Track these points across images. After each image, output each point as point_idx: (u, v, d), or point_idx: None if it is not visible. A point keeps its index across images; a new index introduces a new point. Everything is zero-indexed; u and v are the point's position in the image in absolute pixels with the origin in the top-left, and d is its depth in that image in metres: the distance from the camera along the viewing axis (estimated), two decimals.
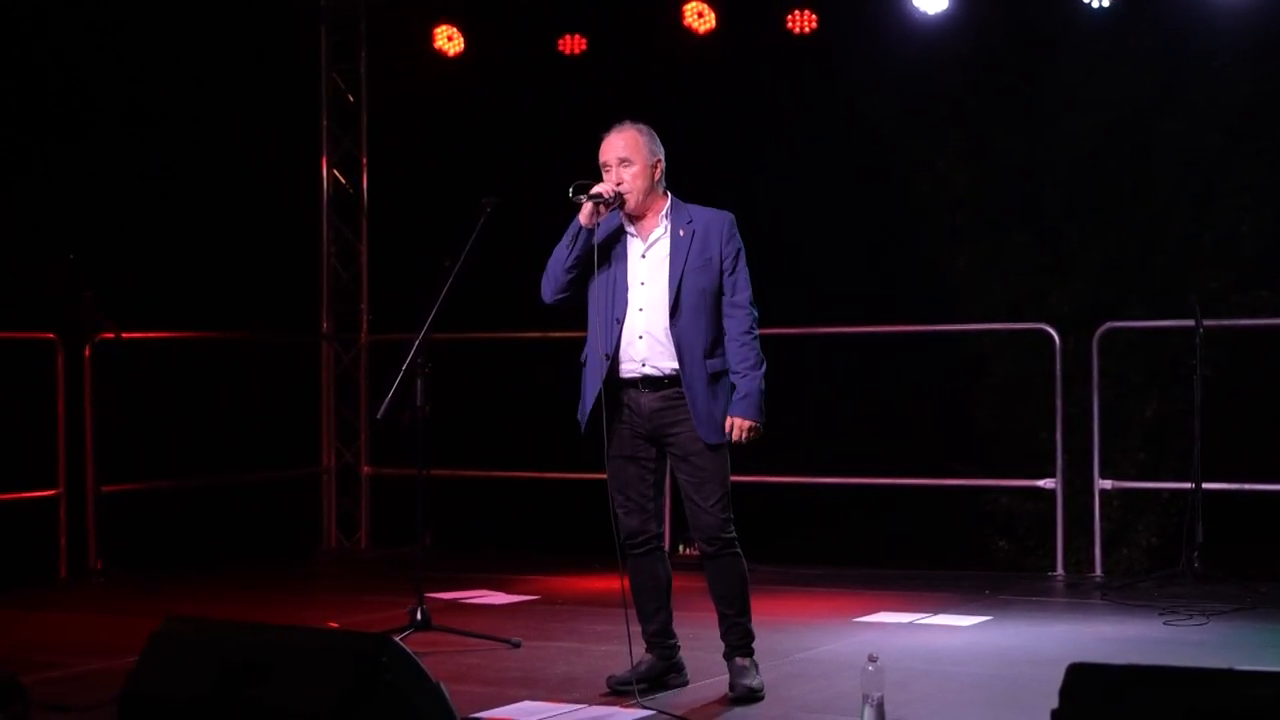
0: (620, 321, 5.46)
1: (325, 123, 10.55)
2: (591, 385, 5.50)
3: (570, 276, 5.51)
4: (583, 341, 5.62)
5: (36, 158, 8.87)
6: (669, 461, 5.57)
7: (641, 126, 5.56)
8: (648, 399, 5.46)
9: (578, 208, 5.46)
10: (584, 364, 5.58)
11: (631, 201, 5.48)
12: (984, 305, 9.97)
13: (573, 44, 10.13)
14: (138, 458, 9.02)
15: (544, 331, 9.63)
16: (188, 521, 9.39)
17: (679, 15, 9.71)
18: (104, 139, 9.15)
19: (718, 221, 5.53)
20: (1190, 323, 8.03)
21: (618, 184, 5.47)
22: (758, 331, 5.51)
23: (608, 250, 5.52)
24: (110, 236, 9.03)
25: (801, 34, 9.58)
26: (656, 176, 5.53)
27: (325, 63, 10.56)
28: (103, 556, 8.65)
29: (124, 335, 8.57)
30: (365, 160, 10.56)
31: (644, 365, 5.46)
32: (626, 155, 5.48)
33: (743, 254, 5.54)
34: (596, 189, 5.45)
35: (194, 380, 9.58)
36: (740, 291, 5.50)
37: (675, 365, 5.42)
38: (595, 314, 5.53)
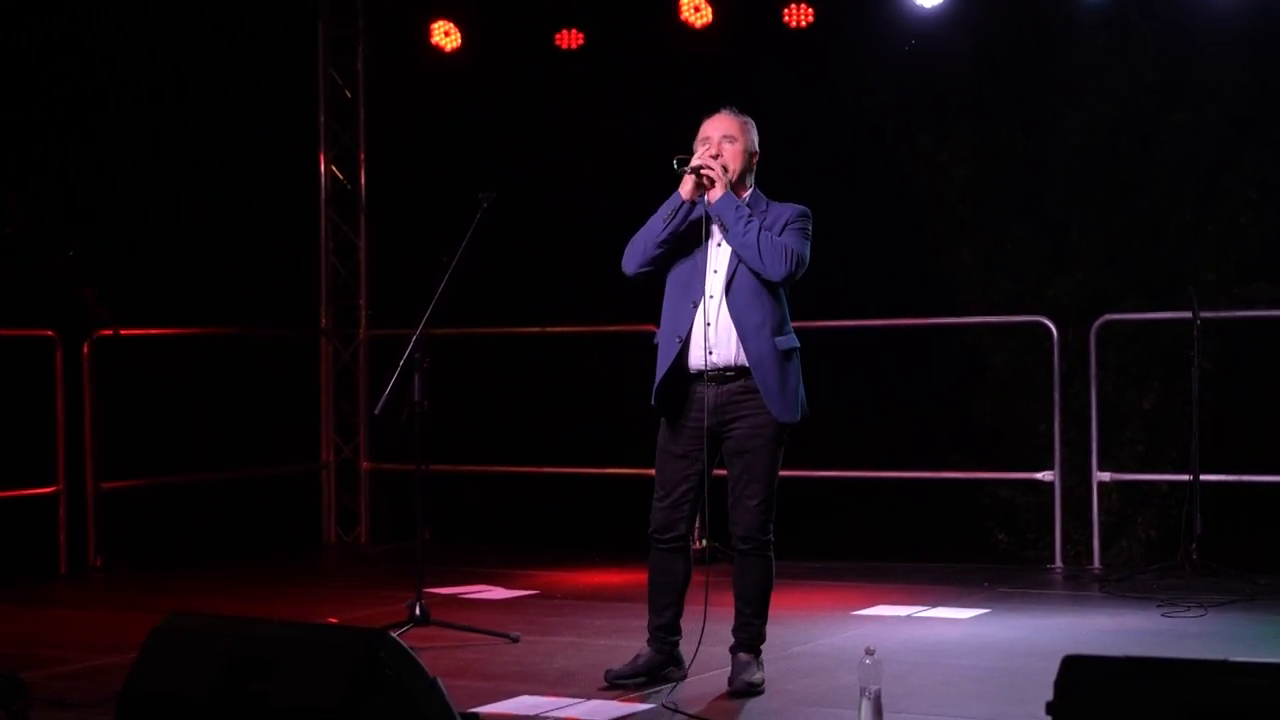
0: (696, 305, 5.46)
1: (323, 118, 10.54)
2: (661, 367, 5.50)
3: (660, 251, 5.49)
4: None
5: (37, 155, 8.87)
6: (723, 454, 5.55)
7: (747, 117, 5.61)
8: (713, 392, 5.45)
9: (678, 180, 5.46)
10: (657, 345, 5.57)
11: (727, 177, 5.47)
12: (986, 298, 9.97)
13: (570, 39, 10.13)
14: (137, 454, 9.02)
15: (542, 327, 9.63)
16: (187, 518, 9.39)
17: (676, 9, 9.70)
18: (103, 135, 9.15)
19: (788, 211, 5.52)
20: (1188, 314, 8.04)
21: (715, 156, 5.46)
22: (793, 263, 5.39)
23: (693, 233, 5.50)
24: (109, 232, 9.02)
25: (798, 28, 9.57)
26: (751, 166, 5.57)
27: (323, 58, 10.54)
28: (102, 553, 8.66)
29: (123, 332, 8.57)
30: (363, 156, 10.55)
31: (711, 354, 5.44)
32: (732, 133, 5.52)
33: (802, 233, 5.46)
34: (698, 161, 5.44)
35: (193, 376, 9.58)
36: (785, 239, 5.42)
37: (742, 356, 5.41)
38: (672, 296, 5.55)
